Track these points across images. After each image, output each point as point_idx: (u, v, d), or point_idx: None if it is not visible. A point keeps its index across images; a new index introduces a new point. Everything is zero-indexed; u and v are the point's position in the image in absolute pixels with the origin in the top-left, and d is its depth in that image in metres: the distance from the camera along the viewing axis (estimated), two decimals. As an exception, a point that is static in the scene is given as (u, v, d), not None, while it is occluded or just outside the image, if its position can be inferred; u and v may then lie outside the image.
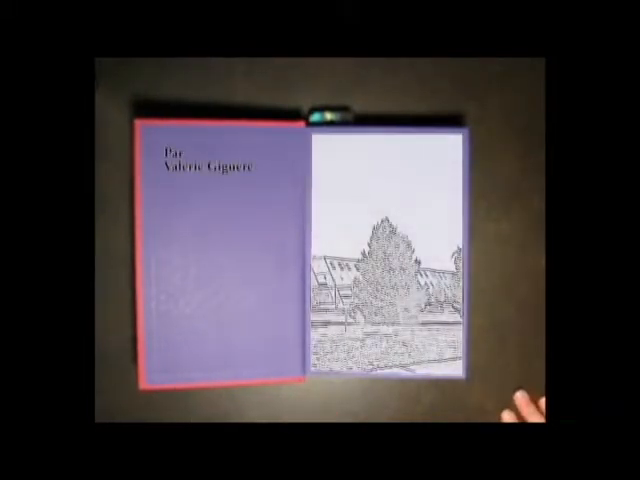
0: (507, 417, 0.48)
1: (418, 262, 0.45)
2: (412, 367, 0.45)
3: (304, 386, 0.48)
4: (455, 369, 0.45)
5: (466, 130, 0.45)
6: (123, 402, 0.47)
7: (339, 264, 0.45)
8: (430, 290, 0.46)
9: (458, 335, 0.45)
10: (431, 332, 0.45)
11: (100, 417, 0.46)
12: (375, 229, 0.45)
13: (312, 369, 0.45)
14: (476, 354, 0.47)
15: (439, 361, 0.45)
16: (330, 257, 0.45)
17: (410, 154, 0.45)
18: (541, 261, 0.48)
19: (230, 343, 0.44)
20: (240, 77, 0.47)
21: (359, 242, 0.45)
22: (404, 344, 0.45)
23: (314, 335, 0.45)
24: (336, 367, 0.45)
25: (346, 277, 0.45)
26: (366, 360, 0.45)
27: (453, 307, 0.46)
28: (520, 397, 0.48)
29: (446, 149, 0.45)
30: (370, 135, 0.44)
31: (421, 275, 0.46)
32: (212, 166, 0.43)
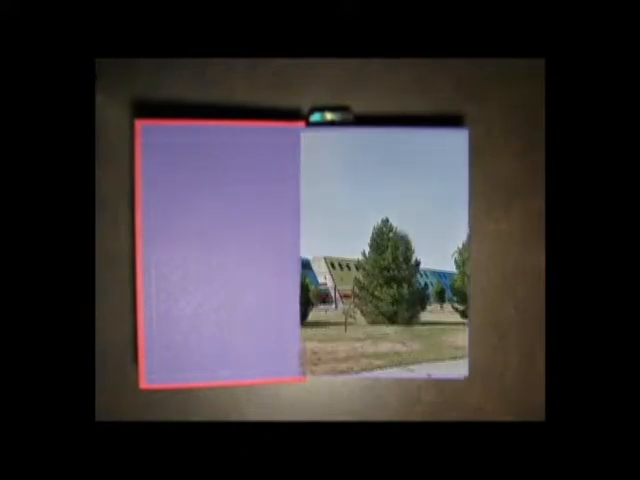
0: None
1: (418, 262, 0.45)
2: (412, 367, 0.45)
3: (304, 386, 0.48)
4: (455, 369, 0.45)
5: (466, 130, 0.45)
6: (123, 401, 0.47)
7: (339, 264, 0.45)
8: (430, 290, 0.46)
9: (458, 335, 0.45)
10: (431, 332, 0.45)
11: (101, 416, 0.46)
12: (375, 229, 0.45)
13: (312, 369, 0.45)
14: (476, 354, 0.47)
15: (439, 361, 0.45)
16: (330, 257, 0.45)
17: (410, 154, 0.45)
18: (541, 261, 0.48)
19: (230, 343, 0.44)
20: (240, 77, 0.47)
21: (359, 242, 0.45)
22: (404, 344, 0.45)
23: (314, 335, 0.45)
24: (336, 367, 0.45)
25: (346, 277, 0.45)
26: (366, 360, 0.45)
27: (453, 307, 0.46)
28: None
29: (445, 150, 0.45)
30: (370, 135, 0.44)
31: (421, 275, 0.46)
32: (212, 166, 0.44)
